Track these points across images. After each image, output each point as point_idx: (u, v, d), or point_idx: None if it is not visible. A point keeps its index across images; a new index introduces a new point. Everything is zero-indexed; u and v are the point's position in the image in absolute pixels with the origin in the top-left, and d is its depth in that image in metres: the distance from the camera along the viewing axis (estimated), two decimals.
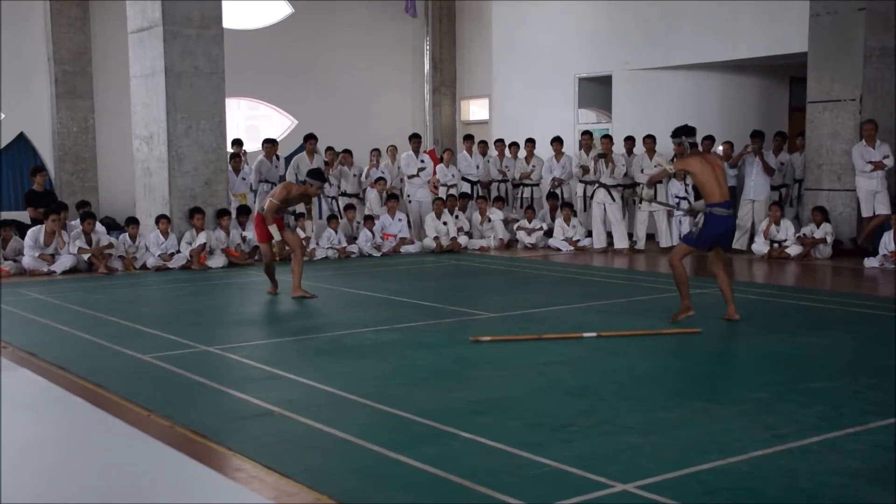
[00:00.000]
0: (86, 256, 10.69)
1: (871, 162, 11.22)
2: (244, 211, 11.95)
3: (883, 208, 11.29)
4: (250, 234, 11.82)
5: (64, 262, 10.62)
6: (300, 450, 4.14)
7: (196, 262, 11.00)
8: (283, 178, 12.66)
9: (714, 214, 6.98)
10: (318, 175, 8.81)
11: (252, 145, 15.38)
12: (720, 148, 12.82)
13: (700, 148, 8.18)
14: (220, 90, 11.49)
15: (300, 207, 10.67)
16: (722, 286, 7.16)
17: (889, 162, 11.19)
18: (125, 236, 11.20)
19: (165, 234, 11.09)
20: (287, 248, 8.88)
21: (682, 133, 7.31)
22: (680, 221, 12.36)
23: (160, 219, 11.07)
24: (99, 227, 11.22)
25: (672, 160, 12.62)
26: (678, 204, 12.33)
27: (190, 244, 11.10)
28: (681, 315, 7.11)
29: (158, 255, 11.02)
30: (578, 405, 4.75)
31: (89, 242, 10.81)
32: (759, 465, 3.79)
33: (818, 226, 11.44)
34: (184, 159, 11.22)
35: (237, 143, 13.96)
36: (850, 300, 8.30)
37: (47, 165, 14.16)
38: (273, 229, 8.53)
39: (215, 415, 4.71)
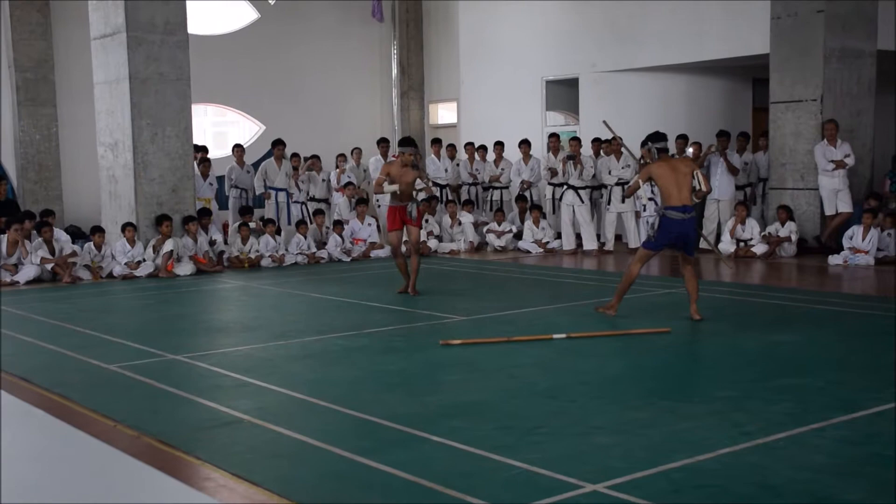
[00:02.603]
0: (49, 266, 10.54)
1: (832, 161, 11.39)
2: (205, 213, 11.85)
3: (845, 206, 11.47)
4: (215, 236, 11.74)
5: (27, 272, 10.46)
6: (270, 457, 4.12)
7: (163, 270, 10.88)
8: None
9: (668, 217, 7.08)
10: (407, 142, 8.94)
11: (220, 151, 15.28)
12: (689, 150, 12.93)
13: (674, 149, 8.27)
14: (186, 96, 11.38)
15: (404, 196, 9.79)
16: (688, 286, 7.26)
17: (850, 161, 11.36)
18: (90, 245, 11.05)
19: (132, 242, 10.96)
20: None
21: (649, 140, 7.42)
22: (647, 222, 12.45)
23: (126, 226, 10.94)
24: (63, 235, 11.06)
25: (639, 161, 12.77)
26: (644, 206, 12.44)
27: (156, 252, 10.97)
28: (605, 310, 7.38)
29: (125, 264, 10.89)
30: (549, 407, 4.77)
31: (52, 251, 10.65)
32: (728, 463, 3.83)
33: (783, 224, 11.58)
34: (150, 166, 11.10)
35: (201, 149, 13.82)
36: (815, 297, 8.42)
37: (10, 174, 13.94)
38: (385, 185, 8.69)
39: (184, 424, 4.67)
